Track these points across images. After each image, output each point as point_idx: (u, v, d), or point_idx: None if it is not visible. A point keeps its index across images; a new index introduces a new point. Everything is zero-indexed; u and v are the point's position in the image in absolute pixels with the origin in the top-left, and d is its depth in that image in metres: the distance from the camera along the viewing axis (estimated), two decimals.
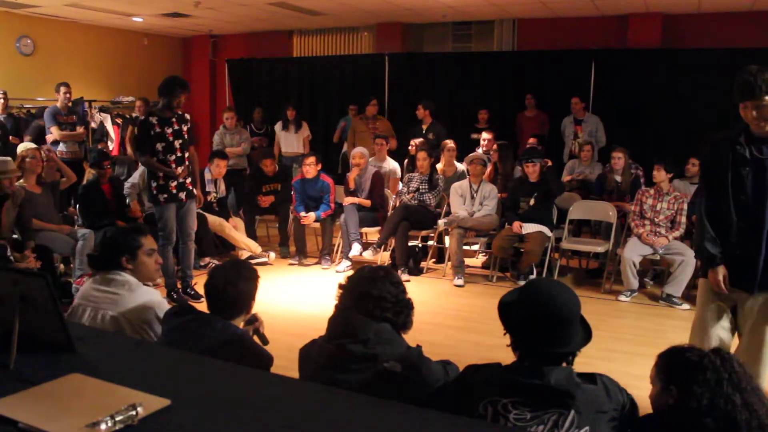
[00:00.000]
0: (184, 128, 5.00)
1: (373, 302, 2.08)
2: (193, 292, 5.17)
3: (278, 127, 8.93)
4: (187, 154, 5.04)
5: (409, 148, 7.26)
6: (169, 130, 4.90)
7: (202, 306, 2.49)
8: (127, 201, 6.05)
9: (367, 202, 6.48)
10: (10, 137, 7.32)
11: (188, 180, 5.05)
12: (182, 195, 5.02)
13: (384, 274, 2.18)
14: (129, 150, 8.13)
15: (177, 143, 4.94)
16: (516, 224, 5.76)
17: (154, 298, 2.59)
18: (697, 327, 2.96)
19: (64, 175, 5.98)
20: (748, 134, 2.67)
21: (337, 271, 6.16)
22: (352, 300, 2.13)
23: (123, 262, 2.59)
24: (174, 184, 4.94)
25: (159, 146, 4.88)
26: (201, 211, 6.36)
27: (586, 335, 1.83)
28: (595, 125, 7.78)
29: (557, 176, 6.63)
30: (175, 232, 5.06)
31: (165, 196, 4.94)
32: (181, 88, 4.92)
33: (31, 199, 5.02)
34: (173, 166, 4.93)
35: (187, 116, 5.08)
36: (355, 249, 6.16)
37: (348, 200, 6.40)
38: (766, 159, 2.64)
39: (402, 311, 2.14)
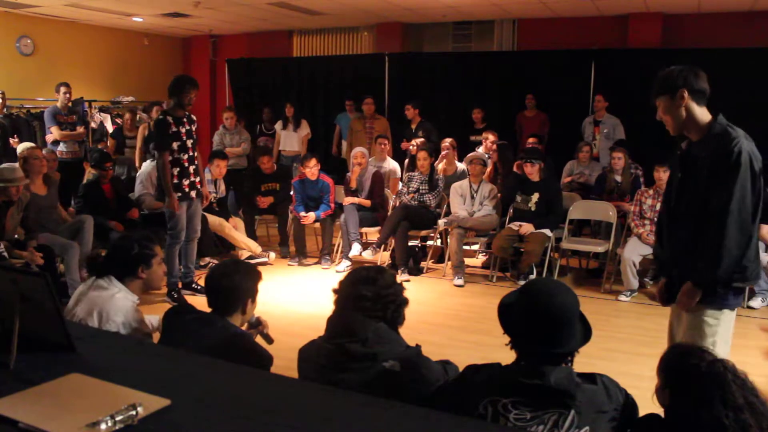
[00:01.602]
0: (193, 128, 5.09)
1: (352, 301, 2.09)
2: (199, 287, 5.21)
3: (278, 126, 8.94)
4: (196, 154, 5.13)
5: (410, 147, 7.27)
6: (183, 130, 4.98)
7: (202, 301, 2.50)
8: (138, 198, 6.04)
9: (367, 202, 6.48)
10: (10, 139, 7.30)
11: (197, 179, 5.15)
12: (193, 194, 5.11)
13: (366, 274, 2.16)
14: (138, 153, 8.09)
15: (189, 142, 5.03)
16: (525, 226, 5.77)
17: (121, 309, 2.52)
18: (668, 334, 2.93)
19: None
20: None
21: (337, 271, 6.16)
22: (340, 301, 2.15)
23: (139, 271, 2.61)
24: (187, 183, 5.03)
25: (174, 145, 4.95)
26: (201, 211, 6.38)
27: (586, 333, 1.82)
28: (612, 127, 7.60)
29: (553, 189, 6.22)
30: (185, 230, 5.11)
31: (179, 195, 5.00)
32: (190, 85, 4.98)
33: (35, 201, 5.04)
34: (186, 164, 5.00)
35: (194, 117, 5.16)
36: (355, 249, 6.16)
37: (348, 200, 6.40)
38: (693, 163, 2.54)
39: (387, 306, 2.10)
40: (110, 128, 9.08)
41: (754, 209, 2.40)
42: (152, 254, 2.66)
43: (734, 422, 1.57)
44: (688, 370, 1.70)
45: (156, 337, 2.64)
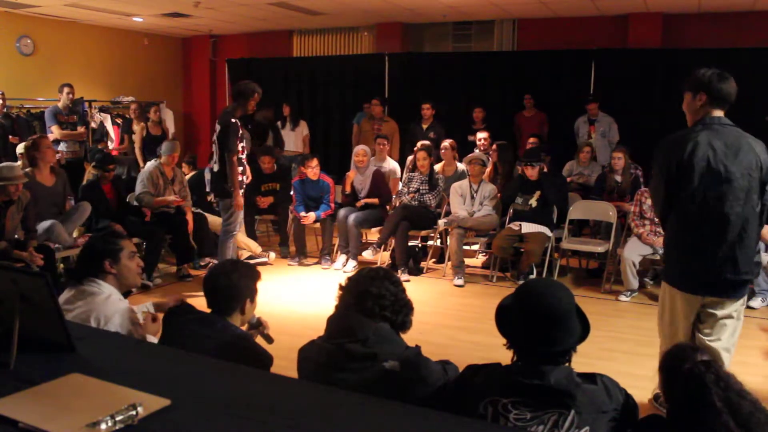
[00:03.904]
0: None
1: (372, 300, 2.08)
2: None
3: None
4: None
5: (414, 148, 7.26)
6: (244, 134, 5.27)
7: (202, 302, 2.50)
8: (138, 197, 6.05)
9: (376, 200, 6.45)
10: (10, 137, 7.30)
11: None
12: None
13: (384, 274, 2.20)
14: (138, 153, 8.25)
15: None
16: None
17: (118, 311, 2.49)
18: None
19: None
20: None
21: (344, 272, 6.12)
22: (352, 298, 2.13)
23: (106, 266, 2.54)
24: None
25: (239, 146, 5.17)
26: (201, 211, 6.37)
27: (584, 329, 1.82)
28: (607, 125, 7.68)
29: (557, 183, 6.31)
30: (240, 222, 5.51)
31: (242, 191, 5.30)
32: (254, 91, 5.17)
33: (39, 191, 5.06)
34: (245, 164, 5.31)
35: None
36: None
37: (360, 204, 6.41)
38: None
39: (401, 310, 2.15)
40: (110, 128, 9.09)
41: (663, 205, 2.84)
42: (119, 248, 2.59)
43: (715, 424, 1.55)
44: (673, 370, 1.71)
45: (159, 319, 2.61)
